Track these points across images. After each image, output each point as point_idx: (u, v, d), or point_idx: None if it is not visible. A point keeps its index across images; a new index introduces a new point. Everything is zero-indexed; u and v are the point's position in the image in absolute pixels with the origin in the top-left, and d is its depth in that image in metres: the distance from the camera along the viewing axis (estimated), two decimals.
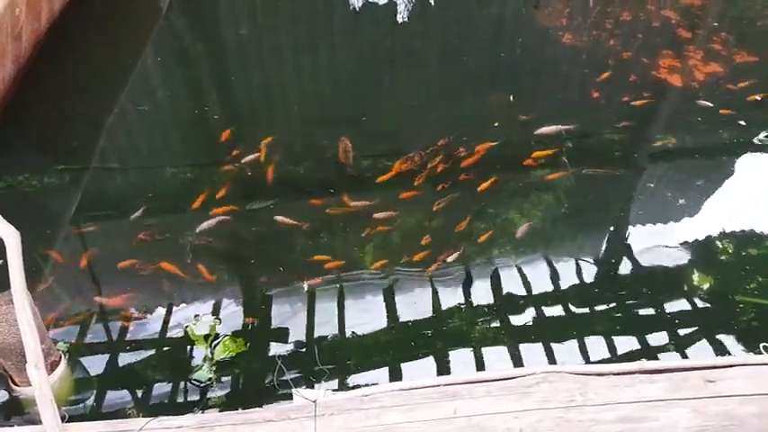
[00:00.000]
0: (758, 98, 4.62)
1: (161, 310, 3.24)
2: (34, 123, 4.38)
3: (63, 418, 2.11)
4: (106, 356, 3.02)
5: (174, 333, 3.13)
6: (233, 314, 3.21)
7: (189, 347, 3.06)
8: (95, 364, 2.98)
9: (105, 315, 3.22)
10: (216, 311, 3.22)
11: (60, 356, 2.87)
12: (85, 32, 5.24)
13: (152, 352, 3.04)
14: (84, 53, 5.07)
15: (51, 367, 2.75)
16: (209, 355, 2.97)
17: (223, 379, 2.89)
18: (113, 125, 4.45)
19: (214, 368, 2.92)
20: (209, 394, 2.84)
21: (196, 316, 3.18)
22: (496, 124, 4.31)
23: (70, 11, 5.28)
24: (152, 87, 4.91)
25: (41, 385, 2.06)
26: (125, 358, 3.02)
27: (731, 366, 2.16)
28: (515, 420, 1.98)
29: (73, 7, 5.32)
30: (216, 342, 3.04)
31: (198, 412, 2.70)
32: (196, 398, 2.85)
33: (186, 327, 3.12)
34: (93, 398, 2.84)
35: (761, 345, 2.26)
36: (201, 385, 2.86)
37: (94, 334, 3.14)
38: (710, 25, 5.50)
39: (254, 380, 2.90)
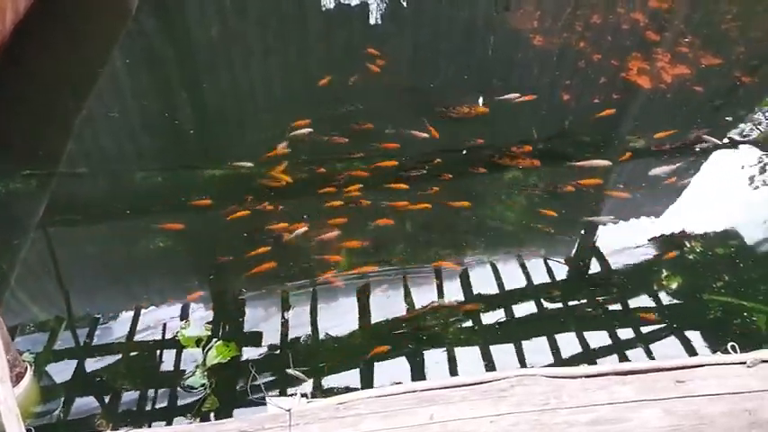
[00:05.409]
0: (721, 101, 4.74)
1: (128, 315, 3.19)
2: None
3: None
4: (74, 365, 2.96)
5: (144, 338, 3.08)
6: (203, 319, 3.17)
7: (159, 353, 3.01)
8: (63, 374, 2.92)
9: (73, 323, 3.16)
10: (185, 316, 3.18)
11: (26, 367, 2.79)
12: (52, 34, 5.12)
13: (121, 359, 2.98)
14: (51, 55, 4.96)
15: (17, 379, 2.68)
16: (203, 361, 2.93)
17: (200, 387, 2.85)
18: (81, 129, 4.37)
19: (206, 374, 2.88)
20: (183, 401, 2.80)
21: (185, 320, 3.14)
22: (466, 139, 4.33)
23: (36, 12, 5.16)
24: (121, 90, 4.83)
25: (6, 399, 2.00)
26: (93, 366, 2.95)
27: (700, 366, 2.19)
28: (491, 425, 1.99)
29: (38, 8, 5.21)
30: (209, 347, 2.99)
31: (192, 420, 2.67)
32: (169, 405, 2.81)
33: (177, 332, 3.08)
34: (60, 409, 2.78)
35: (728, 344, 2.29)
36: (194, 391, 2.82)
37: (62, 342, 3.07)
38: (677, 28, 5.60)
39: (232, 387, 2.87)
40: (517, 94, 4.62)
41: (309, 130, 4.21)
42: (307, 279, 3.36)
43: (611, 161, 4.14)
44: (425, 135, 4.22)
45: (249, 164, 3.99)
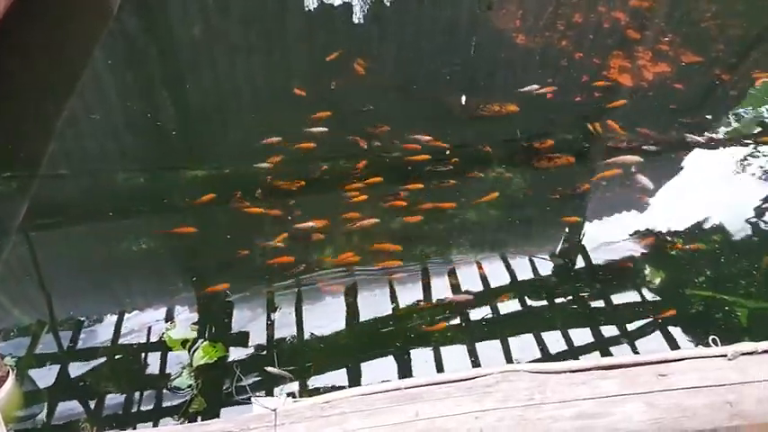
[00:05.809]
0: (701, 99, 4.79)
1: (112, 317, 3.17)
2: None
3: None
4: (57, 368, 2.94)
5: (129, 340, 3.06)
6: (189, 320, 3.16)
7: (145, 355, 2.99)
8: (46, 378, 2.89)
9: (55, 325, 3.13)
10: (170, 317, 3.16)
11: (8, 371, 2.76)
12: (32, 34, 5.06)
13: (106, 361, 2.96)
14: (31, 55, 4.91)
15: None
16: (189, 362, 2.91)
17: (187, 388, 2.84)
18: (62, 130, 4.32)
19: (193, 374, 2.86)
20: (170, 402, 2.79)
21: (170, 321, 3.12)
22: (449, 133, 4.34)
23: (15, 12, 5.10)
24: (103, 90, 4.79)
25: None
26: (78, 369, 2.93)
27: (682, 360, 2.21)
28: (476, 421, 2.00)
29: (18, 8, 5.14)
30: (195, 348, 2.98)
31: (180, 421, 2.65)
32: (155, 406, 2.79)
33: (163, 333, 3.06)
34: (44, 413, 2.75)
35: (710, 337, 2.32)
36: (181, 392, 2.80)
37: (45, 345, 3.04)
38: (658, 26, 5.65)
39: (219, 388, 2.85)
40: (537, 86, 4.66)
41: (324, 129, 4.18)
42: (294, 279, 3.35)
43: (594, 158, 4.18)
44: (428, 138, 4.21)
45: (235, 164, 3.97)
